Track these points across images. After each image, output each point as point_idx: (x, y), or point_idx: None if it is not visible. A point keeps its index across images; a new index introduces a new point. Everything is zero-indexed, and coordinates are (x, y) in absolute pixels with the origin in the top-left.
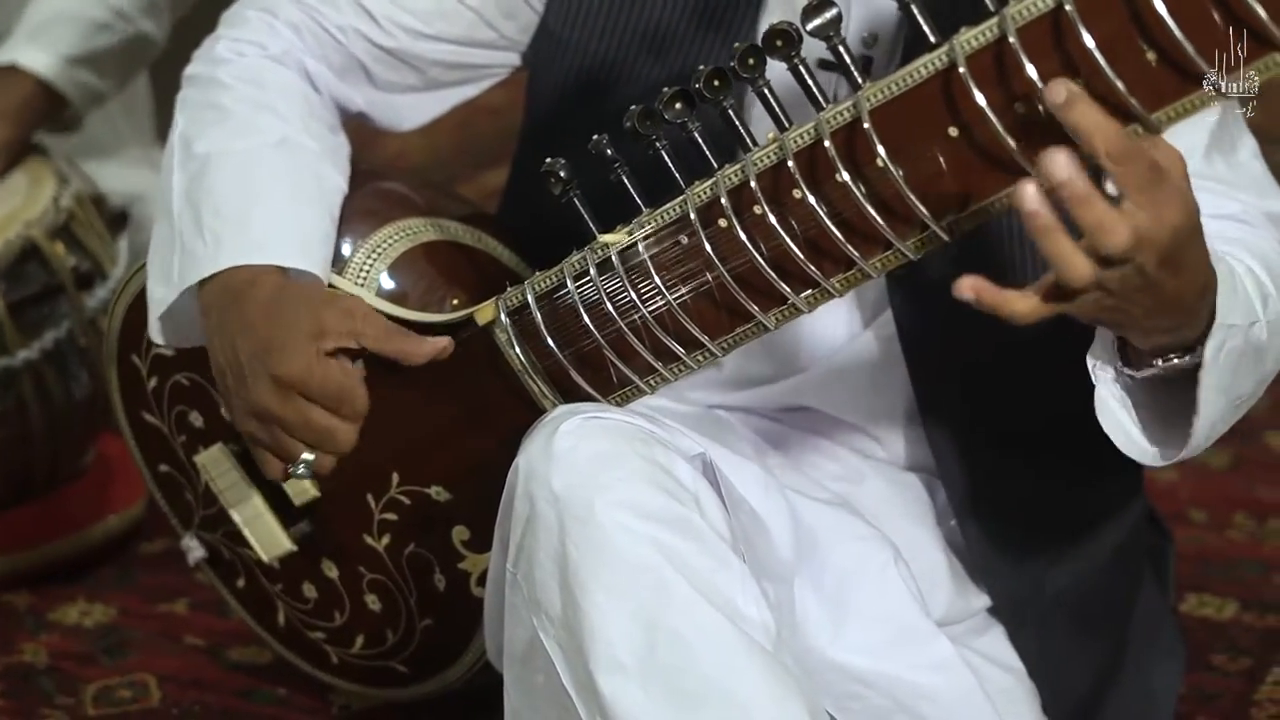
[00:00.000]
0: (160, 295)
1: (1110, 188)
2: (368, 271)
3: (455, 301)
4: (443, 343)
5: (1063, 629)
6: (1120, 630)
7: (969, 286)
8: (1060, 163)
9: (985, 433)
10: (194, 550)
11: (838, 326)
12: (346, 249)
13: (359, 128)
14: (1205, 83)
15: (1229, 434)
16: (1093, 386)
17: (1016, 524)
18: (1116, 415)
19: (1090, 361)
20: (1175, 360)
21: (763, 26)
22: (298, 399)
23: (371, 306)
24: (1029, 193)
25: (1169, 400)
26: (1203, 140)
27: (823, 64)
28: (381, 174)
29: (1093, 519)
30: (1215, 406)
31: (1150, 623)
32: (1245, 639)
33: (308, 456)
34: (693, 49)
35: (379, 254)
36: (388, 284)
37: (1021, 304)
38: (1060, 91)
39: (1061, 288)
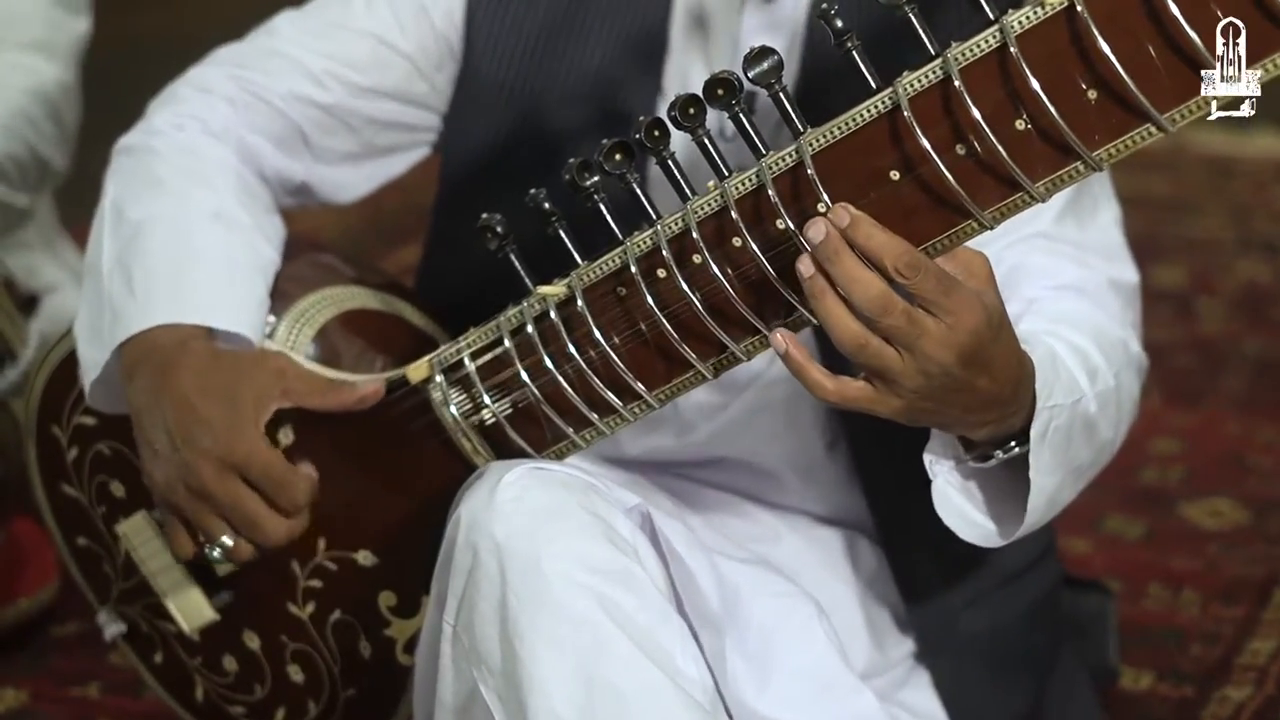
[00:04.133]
0: (93, 358)
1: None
2: (294, 339)
3: (381, 366)
4: (373, 386)
5: (978, 672)
6: (1037, 685)
7: (782, 337)
8: (818, 228)
9: (904, 452)
10: (110, 625)
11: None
12: (272, 317)
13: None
14: (1147, 119)
15: (1143, 504)
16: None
17: (942, 553)
18: (956, 504)
19: (927, 458)
20: (1015, 449)
21: (668, 72)
22: (236, 480)
23: (302, 364)
24: (804, 260)
25: (1010, 475)
26: (1057, 203)
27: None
28: (308, 242)
29: (1005, 569)
30: (1051, 480)
31: (1071, 686)
32: (1161, 709)
33: (227, 541)
34: (597, 110)
35: (304, 320)
36: (314, 350)
37: (826, 379)
38: (843, 216)
39: (874, 382)
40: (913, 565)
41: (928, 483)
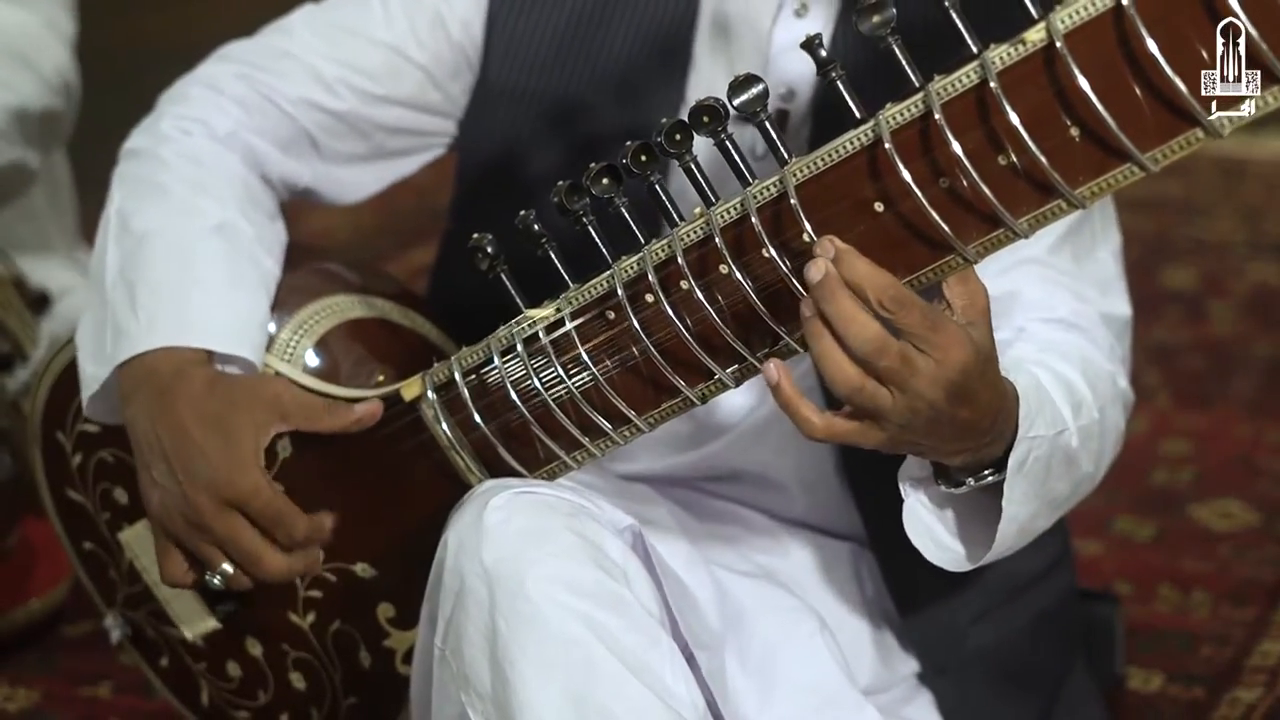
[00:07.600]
0: (92, 373)
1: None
2: (294, 349)
3: (381, 378)
4: (371, 407)
5: (984, 686)
6: (1047, 698)
7: (775, 368)
8: (817, 267)
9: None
10: (116, 629)
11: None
12: (273, 326)
13: (284, 205)
14: (1128, 159)
15: (1153, 506)
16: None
17: (941, 573)
18: (926, 524)
19: (902, 480)
20: (990, 477)
21: (691, 83)
22: (234, 515)
23: (299, 387)
24: (805, 302)
25: (988, 500)
26: (1057, 230)
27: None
28: (310, 250)
29: (1015, 579)
30: (1025, 510)
31: (1081, 698)
32: (1172, 711)
33: (227, 568)
34: (618, 118)
35: (305, 330)
36: (314, 361)
37: (814, 416)
38: (829, 249)
39: (861, 419)
40: (913, 585)
41: None
